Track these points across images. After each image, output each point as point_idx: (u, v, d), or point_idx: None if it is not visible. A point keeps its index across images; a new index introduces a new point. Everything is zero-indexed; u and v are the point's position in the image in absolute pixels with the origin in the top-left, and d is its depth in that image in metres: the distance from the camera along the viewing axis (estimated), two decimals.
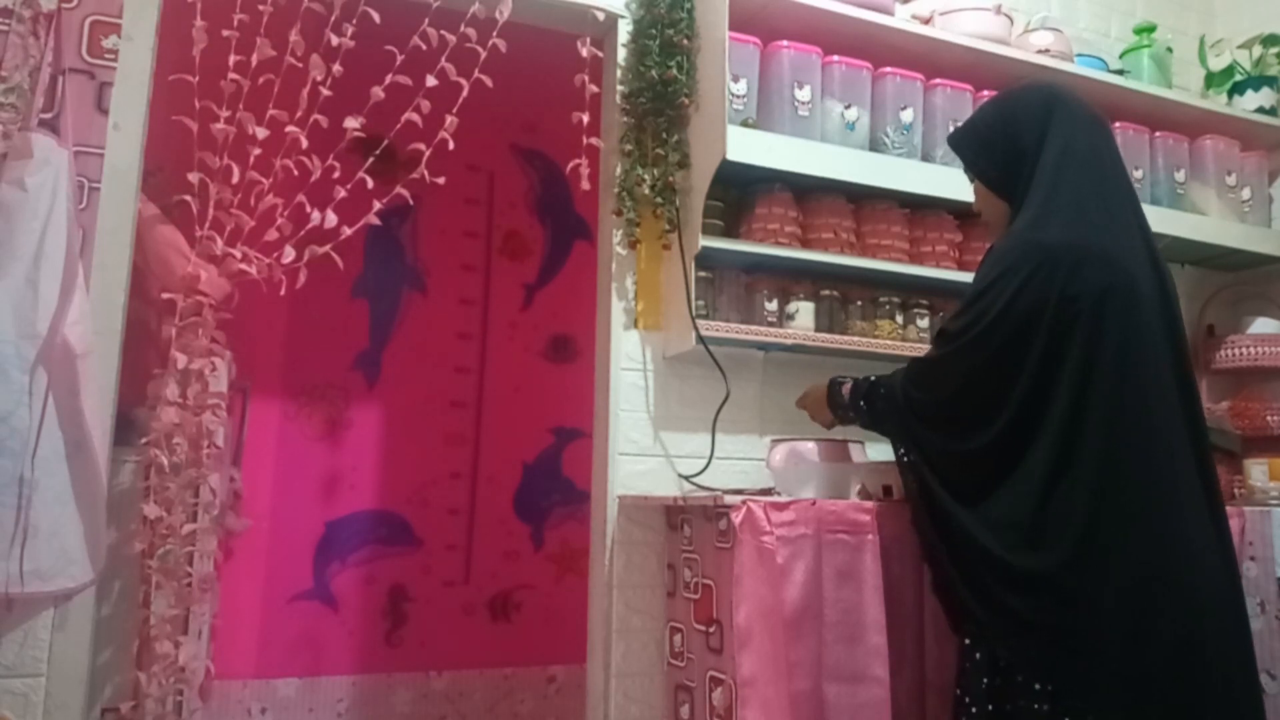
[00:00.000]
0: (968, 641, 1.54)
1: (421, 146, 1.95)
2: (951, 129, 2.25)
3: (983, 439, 1.51)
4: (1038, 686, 1.43)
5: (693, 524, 1.94)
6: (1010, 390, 1.49)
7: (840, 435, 1.96)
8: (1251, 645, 1.49)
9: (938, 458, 1.60)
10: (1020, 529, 1.45)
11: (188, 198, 1.82)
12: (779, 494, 1.89)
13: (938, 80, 2.30)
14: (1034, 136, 1.59)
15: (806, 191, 2.18)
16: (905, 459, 1.67)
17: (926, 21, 2.35)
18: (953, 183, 2.20)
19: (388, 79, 1.91)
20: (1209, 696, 1.40)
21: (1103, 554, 1.41)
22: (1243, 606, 1.50)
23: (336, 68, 1.87)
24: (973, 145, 1.72)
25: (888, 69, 2.24)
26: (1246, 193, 2.69)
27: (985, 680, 1.48)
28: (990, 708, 1.48)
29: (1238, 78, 2.82)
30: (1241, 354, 2.69)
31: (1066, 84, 1.86)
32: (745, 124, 2.06)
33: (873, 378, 1.77)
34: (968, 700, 1.51)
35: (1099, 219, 1.53)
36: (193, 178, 1.81)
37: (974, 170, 1.72)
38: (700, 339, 2.04)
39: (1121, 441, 1.44)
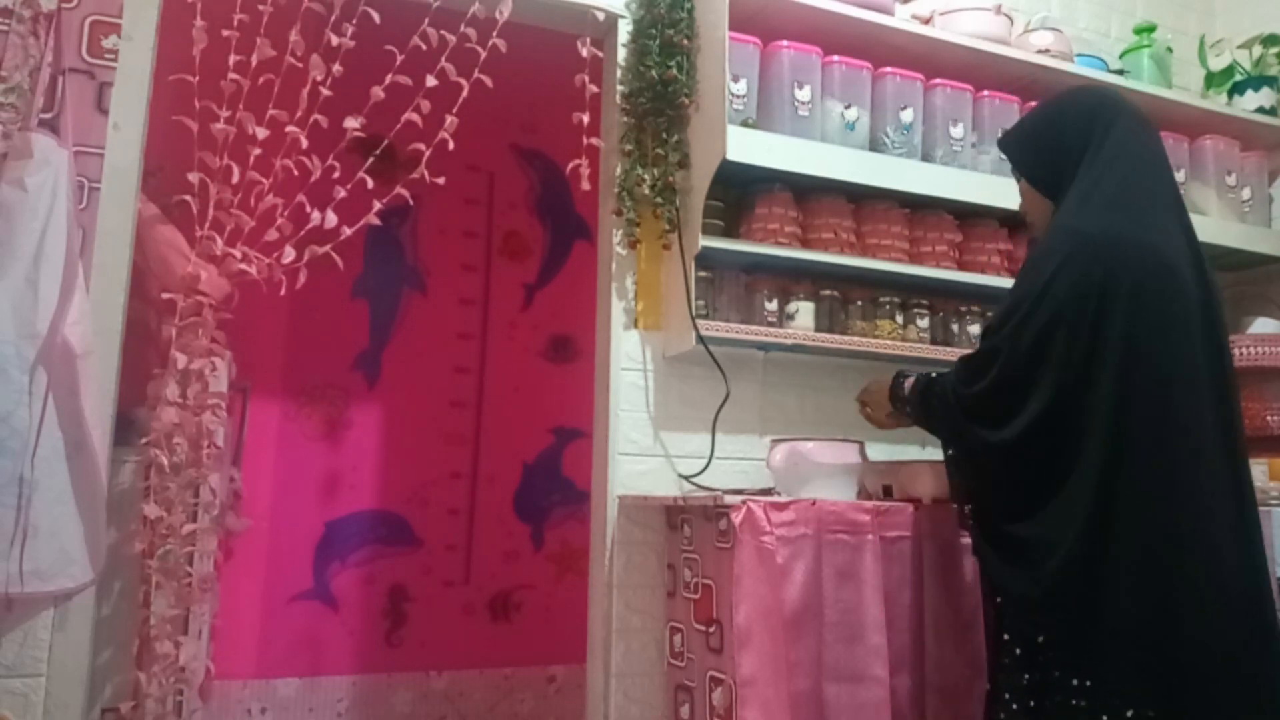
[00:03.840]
0: (1006, 637, 1.53)
1: (421, 146, 1.95)
2: (951, 129, 2.26)
3: (1019, 427, 1.49)
4: (1075, 682, 1.42)
5: (693, 524, 1.94)
6: (1048, 377, 1.47)
7: (841, 436, 1.96)
8: (1279, 641, 1.47)
9: (983, 453, 1.58)
10: (1056, 520, 1.45)
11: (188, 198, 1.82)
12: (779, 494, 1.88)
13: (938, 80, 2.30)
14: (1081, 135, 1.60)
15: (806, 191, 2.18)
16: (952, 456, 1.66)
17: (926, 21, 2.35)
18: (953, 182, 2.21)
19: (388, 79, 1.91)
20: (1235, 691, 1.39)
21: (1112, 555, 1.41)
22: (1268, 603, 1.47)
23: (336, 68, 1.87)
24: (1020, 143, 1.73)
25: (888, 69, 2.24)
26: (1246, 193, 2.69)
27: (1027, 676, 1.48)
28: (1031, 704, 1.47)
29: (1238, 78, 2.82)
30: (1241, 354, 2.68)
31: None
32: (745, 124, 2.06)
33: (933, 374, 1.75)
34: (1007, 696, 1.50)
35: (1139, 212, 1.53)
36: (193, 178, 1.81)
37: (1020, 168, 1.73)
38: (700, 339, 2.04)
39: (1141, 436, 1.43)
